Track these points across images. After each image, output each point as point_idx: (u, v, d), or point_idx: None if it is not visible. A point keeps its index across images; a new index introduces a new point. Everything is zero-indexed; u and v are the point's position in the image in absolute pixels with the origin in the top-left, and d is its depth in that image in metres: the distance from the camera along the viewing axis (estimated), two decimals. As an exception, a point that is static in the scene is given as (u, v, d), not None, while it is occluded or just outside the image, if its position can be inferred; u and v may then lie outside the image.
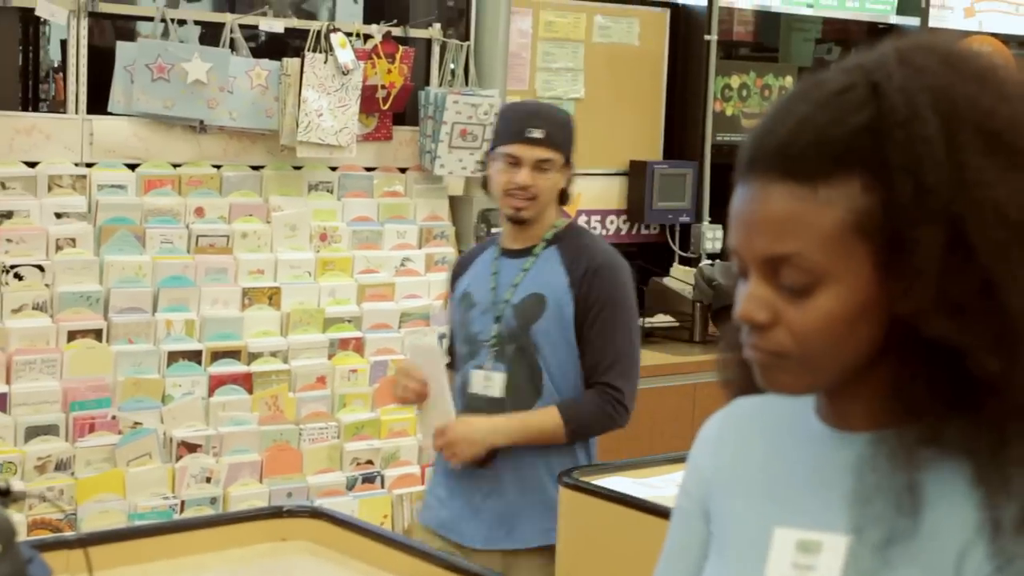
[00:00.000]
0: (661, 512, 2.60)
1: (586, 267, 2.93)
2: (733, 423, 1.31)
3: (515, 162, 2.91)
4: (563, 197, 3.02)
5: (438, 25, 4.59)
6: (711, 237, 5.36)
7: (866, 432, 1.16)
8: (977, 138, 1.06)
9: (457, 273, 3.15)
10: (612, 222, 5.24)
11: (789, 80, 5.76)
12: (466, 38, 4.61)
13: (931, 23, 6.15)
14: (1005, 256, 1.05)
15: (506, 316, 2.95)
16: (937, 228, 1.05)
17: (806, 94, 1.11)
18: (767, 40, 6.44)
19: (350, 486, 4.14)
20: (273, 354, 4.11)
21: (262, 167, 4.26)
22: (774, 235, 1.10)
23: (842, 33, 6.56)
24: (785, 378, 1.15)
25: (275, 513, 2.36)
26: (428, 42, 4.60)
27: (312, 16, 5.11)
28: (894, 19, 6.17)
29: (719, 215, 5.43)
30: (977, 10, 6.48)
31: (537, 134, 2.91)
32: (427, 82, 4.58)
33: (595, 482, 2.82)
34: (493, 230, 4.16)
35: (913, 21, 6.15)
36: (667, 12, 5.35)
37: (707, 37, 5.35)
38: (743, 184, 1.13)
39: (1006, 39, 6.33)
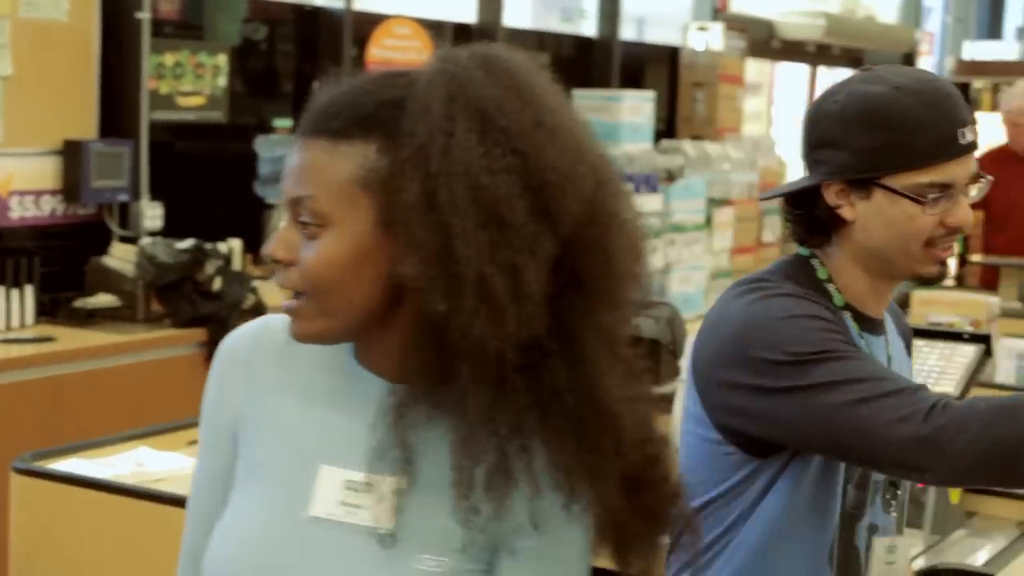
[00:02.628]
0: (120, 490, 2.65)
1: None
2: (265, 347, 1.39)
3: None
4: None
5: None
6: (151, 215, 5.37)
7: (387, 380, 1.31)
8: (473, 118, 1.23)
9: None
10: (47, 202, 5.12)
11: (222, 58, 5.85)
12: None
13: (354, 6, 6.46)
14: (463, 212, 1.21)
15: None
16: (417, 183, 1.22)
17: (368, 75, 1.31)
18: (194, 19, 6.48)
19: None
20: None
21: None
22: (297, 179, 1.28)
23: (267, 13, 6.73)
24: (302, 324, 1.28)
25: None
26: None
27: None
28: (319, 2, 6.43)
29: (158, 192, 5.45)
30: (396, -5, 6.86)
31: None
32: None
33: (50, 466, 2.81)
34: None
35: (337, 3, 6.44)
36: (96, -11, 5.27)
37: (139, 15, 5.33)
38: (297, 143, 1.30)
39: (428, 23, 6.76)
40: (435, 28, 7.02)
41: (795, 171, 10.66)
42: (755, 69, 9.90)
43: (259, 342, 1.40)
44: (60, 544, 2.70)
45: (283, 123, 6.14)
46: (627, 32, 8.70)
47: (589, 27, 8.48)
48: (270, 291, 5.53)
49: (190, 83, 5.71)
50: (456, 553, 1.29)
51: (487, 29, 7.26)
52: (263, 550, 1.32)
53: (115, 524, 2.63)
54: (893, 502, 1.84)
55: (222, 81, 5.84)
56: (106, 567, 2.64)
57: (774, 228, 8.85)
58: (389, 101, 1.27)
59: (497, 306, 1.20)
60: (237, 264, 5.55)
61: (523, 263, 1.20)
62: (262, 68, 6.93)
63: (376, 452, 1.28)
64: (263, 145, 5.93)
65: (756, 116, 10.06)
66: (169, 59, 5.64)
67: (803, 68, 10.93)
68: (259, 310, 5.28)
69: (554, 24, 8.54)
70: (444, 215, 1.21)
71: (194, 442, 3.15)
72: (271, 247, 1.29)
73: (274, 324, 1.40)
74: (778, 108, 10.68)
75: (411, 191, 1.23)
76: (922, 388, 1.63)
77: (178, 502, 2.54)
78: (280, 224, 1.32)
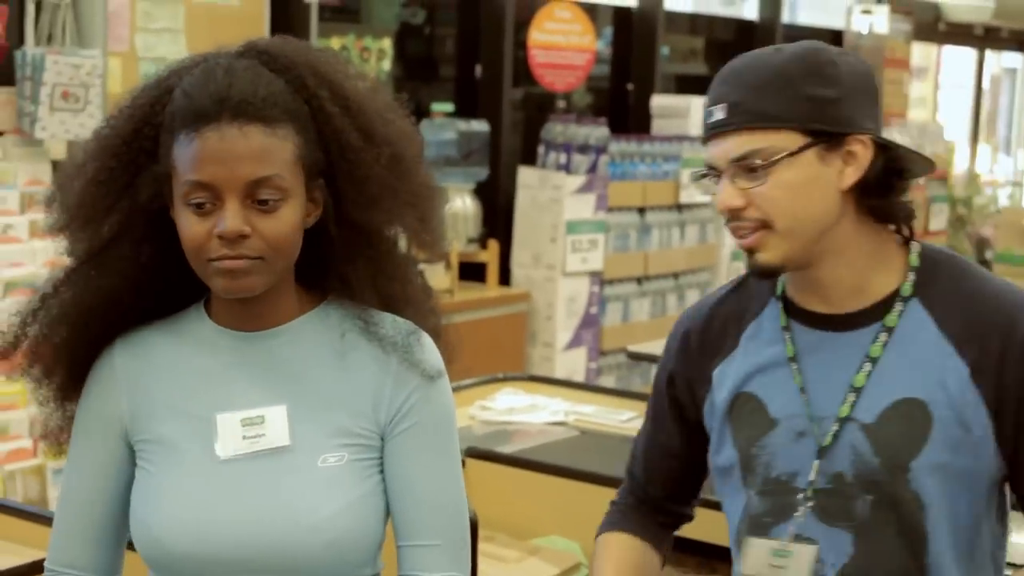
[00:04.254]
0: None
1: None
2: (132, 352, 1.64)
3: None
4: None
5: (31, -18, 4.40)
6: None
7: (273, 328, 1.62)
8: (336, 100, 1.56)
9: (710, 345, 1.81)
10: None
11: (386, 43, 5.89)
12: (63, -4, 4.44)
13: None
14: (357, 154, 1.57)
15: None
16: (320, 146, 1.56)
17: (237, 69, 1.55)
18: (352, 3, 6.53)
19: (-44, 465, 3.95)
20: None
21: None
22: (257, 162, 1.50)
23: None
24: (254, 279, 1.53)
25: None
26: (22, 0, 4.40)
27: None
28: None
29: (324, 176, 5.49)
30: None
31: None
32: (23, 41, 4.38)
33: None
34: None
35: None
36: (266, -26, 5.34)
37: (306, 0, 5.39)
38: (209, 131, 1.50)
39: (588, 7, 6.72)
40: (595, 12, 6.97)
41: (963, 156, 10.36)
42: (921, 53, 9.63)
43: (125, 351, 1.65)
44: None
45: (443, 107, 6.15)
46: (789, 15, 8.54)
47: (750, 10, 8.34)
48: (434, 274, 5.55)
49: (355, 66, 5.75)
50: (349, 448, 1.59)
51: (647, 13, 7.18)
52: (194, 501, 1.57)
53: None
54: (840, 518, 1.62)
55: (386, 65, 5.88)
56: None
57: (941, 216, 8.61)
58: (285, 88, 1.55)
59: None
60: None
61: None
62: (422, 52, 6.97)
63: (257, 390, 1.60)
64: (427, 129, 5.95)
65: (921, 101, 9.80)
66: (335, 43, 5.69)
67: (970, 52, 10.60)
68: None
69: (715, 7, 8.41)
70: (345, 160, 1.58)
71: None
72: (234, 227, 1.51)
73: (130, 337, 1.66)
74: (944, 93, 10.38)
75: (319, 149, 1.57)
76: (630, 478, 1.89)
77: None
78: (230, 206, 1.52)
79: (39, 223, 4.30)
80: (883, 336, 1.62)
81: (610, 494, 2.73)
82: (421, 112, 6.24)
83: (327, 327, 1.63)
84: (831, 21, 8.91)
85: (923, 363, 1.59)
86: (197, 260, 1.54)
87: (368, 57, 5.82)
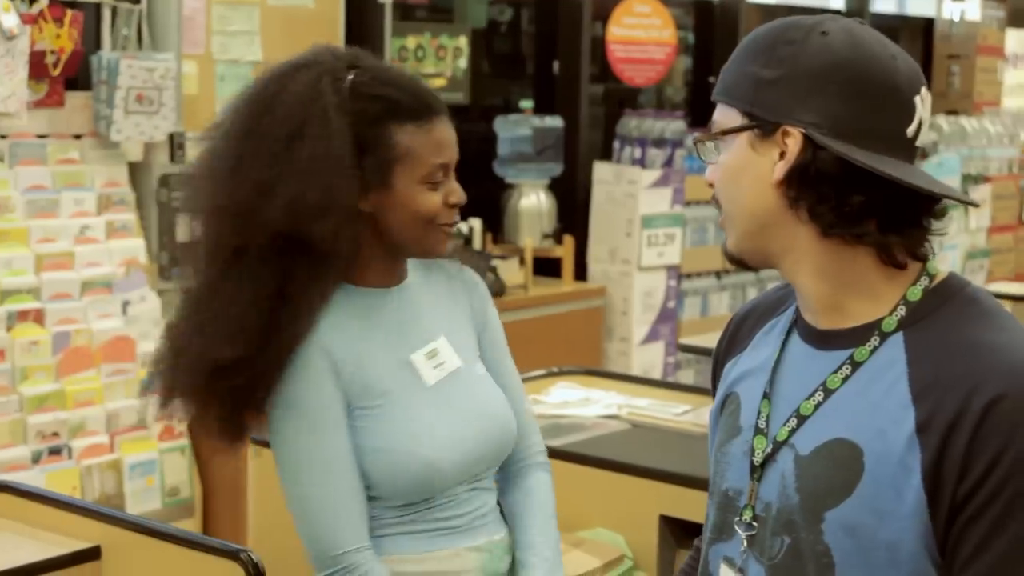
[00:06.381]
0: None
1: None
2: (320, 343, 1.91)
3: None
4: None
5: (108, -12, 4.51)
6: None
7: (404, 281, 2.04)
8: None
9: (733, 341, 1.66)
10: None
11: (463, 40, 5.92)
12: (137, 1, 4.55)
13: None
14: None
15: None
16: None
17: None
18: (442, 2, 6.59)
19: (35, 459, 4.06)
20: (-53, 329, 3.99)
21: (-75, 136, 4.11)
22: (453, 148, 1.98)
23: (512, -6, 6.79)
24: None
25: (-43, 488, 2.35)
26: (97, 6, 4.52)
27: (-28, -22, 4.91)
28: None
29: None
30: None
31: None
32: (99, 46, 4.50)
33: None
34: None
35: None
36: (341, -25, 5.41)
37: (381, 0, 5.45)
38: (438, 121, 1.94)
39: (669, 1, 6.69)
40: (677, 6, 6.94)
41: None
42: (1018, 40, 9.42)
43: (316, 350, 1.93)
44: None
45: (526, 103, 6.18)
46: (879, 4, 8.41)
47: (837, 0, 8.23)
48: (509, 270, 5.57)
49: (432, 65, 5.80)
50: (478, 357, 2.07)
51: (729, 6, 7.13)
52: (438, 421, 1.95)
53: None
54: (762, 554, 1.43)
55: (463, 63, 5.92)
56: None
57: (1035, 206, 8.42)
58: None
59: None
60: (477, 243, 5.62)
61: None
62: (504, 49, 6.99)
63: (418, 329, 2.01)
64: (502, 126, 5.98)
65: (1019, 89, 9.58)
66: (411, 42, 5.74)
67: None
68: (499, 290, 5.33)
69: (801, -2, 8.31)
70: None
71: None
72: (464, 194, 1.97)
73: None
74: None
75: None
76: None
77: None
78: (454, 181, 1.98)
79: (115, 223, 4.41)
80: (846, 369, 1.41)
81: (657, 487, 2.74)
82: (509, 108, 6.25)
83: (422, 273, 2.04)
84: (922, 9, 8.75)
85: (875, 406, 1.36)
86: (428, 226, 1.92)
87: (444, 56, 5.86)
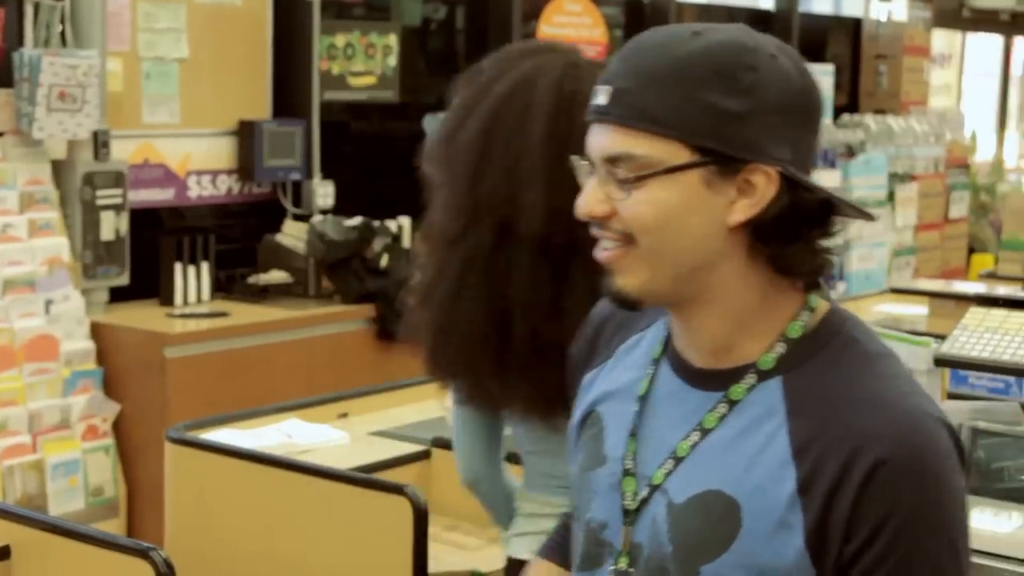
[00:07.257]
0: (266, 460, 2.71)
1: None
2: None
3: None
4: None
5: (30, -16, 4.48)
6: (322, 193, 5.47)
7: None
8: None
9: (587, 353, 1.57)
10: (223, 181, 5.27)
11: (392, 39, 5.92)
12: (61, -2, 4.52)
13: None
14: None
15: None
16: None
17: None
18: (377, 0, 6.58)
19: (-43, 460, 4.03)
20: None
21: None
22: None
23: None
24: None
25: None
26: (20, 3, 4.48)
27: None
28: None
29: (330, 171, 5.55)
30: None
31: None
32: (21, 43, 4.46)
33: (203, 436, 2.90)
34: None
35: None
36: (269, -29, 5.39)
37: (309, -3, 5.45)
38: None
39: (594, -1, 6.73)
40: (609, 5, 6.98)
41: (987, 144, 10.27)
42: (944, 40, 9.56)
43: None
44: (210, 510, 2.78)
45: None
46: (806, 3, 8.50)
47: None
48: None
49: (361, 63, 5.80)
50: None
51: (660, 5, 7.18)
52: None
53: (261, 493, 2.70)
54: None
55: (392, 61, 5.92)
56: (253, 534, 2.70)
57: (961, 204, 8.55)
58: None
59: None
60: (406, 241, 5.63)
61: None
62: (438, 47, 7.00)
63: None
64: (431, 123, 5.98)
65: (945, 89, 9.73)
66: (340, 40, 5.74)
67: (997, 39, 10.51)
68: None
69: (730, -3, 8.39)
70: None
71: (344, 414, 3.20)
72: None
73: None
74: (970, 80, 10.29)
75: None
76: None
77: (322, 473, 2.59)
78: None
79: (38, 222, 4.37)
80: (723, 407, 1.31)
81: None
82: (443, 106, 6.24)
83: None
84: (849, 10, 8.86)
85: (752, 460, 1.28)
86: None
87: (374, 54, 5.86)
